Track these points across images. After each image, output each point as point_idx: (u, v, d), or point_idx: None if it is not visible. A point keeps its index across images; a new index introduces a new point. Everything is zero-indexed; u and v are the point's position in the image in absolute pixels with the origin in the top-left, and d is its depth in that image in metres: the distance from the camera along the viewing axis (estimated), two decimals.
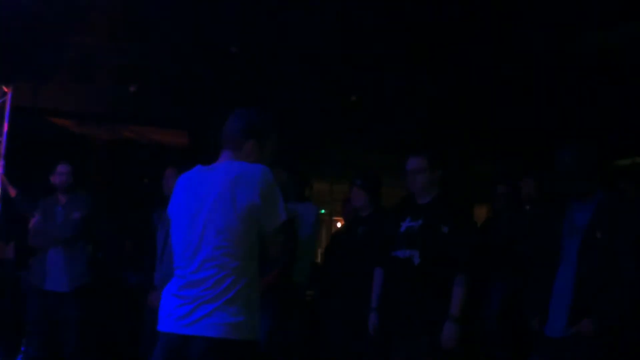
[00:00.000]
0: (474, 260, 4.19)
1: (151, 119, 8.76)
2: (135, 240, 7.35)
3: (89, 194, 5.95)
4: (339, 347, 5.30)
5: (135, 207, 7.54)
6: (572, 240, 3.94)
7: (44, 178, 5.82)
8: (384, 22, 6.89)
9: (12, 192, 6.00)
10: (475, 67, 7.49)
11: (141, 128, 9.24)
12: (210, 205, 2.88)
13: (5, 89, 7.14)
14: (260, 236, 2.94)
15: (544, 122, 8.27)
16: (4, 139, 7.01)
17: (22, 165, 6.61)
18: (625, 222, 3.86)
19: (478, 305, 5.44)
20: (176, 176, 5.45)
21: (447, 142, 8.94)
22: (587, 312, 3.79)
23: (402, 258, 4.25)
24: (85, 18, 7.05)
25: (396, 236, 4.35)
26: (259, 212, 2.86)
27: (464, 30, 6.92)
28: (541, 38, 6.84)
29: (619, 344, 3.86)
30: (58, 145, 7.65)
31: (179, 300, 2.89)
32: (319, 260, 8.02)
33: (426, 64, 7.47)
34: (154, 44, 7.28)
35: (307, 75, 7.79)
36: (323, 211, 12.48)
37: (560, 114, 8.04)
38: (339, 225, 9.70)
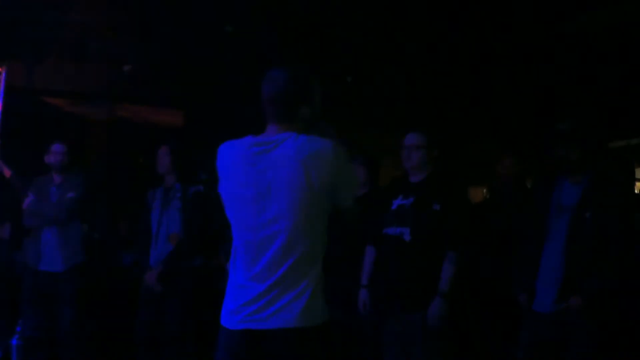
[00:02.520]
0: (465, 237, 4.21)
1: (146, 99, 8.74)
2: (130, 220, 7.34)
3: (83, 173, 5.93)
4: (333, 325, 5.31)
5: (130, 187, 7.54)
6: (560, 218, 4.07)
7: (39, 158, 5.80)
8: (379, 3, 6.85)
9: (7, 173, 5.97)
10: (471, 46, 7.46)
11: (136, 107, 9.21)
12: (280, 187, 2.67)
13: None
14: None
15: (539, 104, 8.26)
16: None
17: (17, 145, 6.58)
18: (612, 203, 4.00)
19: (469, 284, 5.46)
20: (169, 155, 5.50)
21: (446, 122, 8.93)
22: (576, 288, 3.91)
23: (393, 235, 4.27)
24: None
25: (387, 214, 4.37)
26: (333, 192, 2.71)
27: (460, 10, 6.88)
28: (538, 17, 6.81)
29: (607, 320, 3.97)
30: (52, 125, 7.62)
31: (250, 291, 2.71)
32: None
33: (422, 43, 7.44)
34: (149, 24, 7.24)
35: (302, 55, 7.75)
36: None
37: (556, 95, 8.03)
38: None
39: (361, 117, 9.39)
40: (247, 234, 2.75)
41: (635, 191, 6.12)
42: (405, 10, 6.91)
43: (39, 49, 7.35)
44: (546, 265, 4.08)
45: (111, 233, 7.58)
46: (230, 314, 2.75)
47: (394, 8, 6.85)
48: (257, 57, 7.70)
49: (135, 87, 8.36)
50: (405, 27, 7.19)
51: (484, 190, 7.84)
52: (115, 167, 9.01)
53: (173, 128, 9.12)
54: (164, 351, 5.27)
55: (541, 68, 7.72)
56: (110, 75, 8.23)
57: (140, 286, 5.42)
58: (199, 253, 5.78)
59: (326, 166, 2.65)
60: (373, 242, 4.59)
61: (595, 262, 3.91)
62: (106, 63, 8.06)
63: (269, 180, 2.69)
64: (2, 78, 6.84)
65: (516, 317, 4.38)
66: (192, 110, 8.89)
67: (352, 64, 8.16)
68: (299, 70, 2.85)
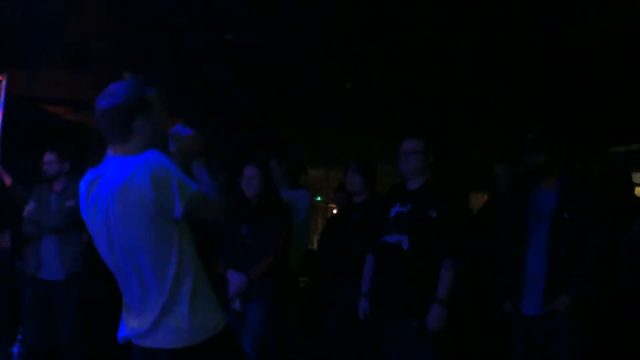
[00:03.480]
0: (462, 244, 4.23)
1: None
2: None
3: None
4: (334, 334, 5.32)
5: None
6: (539, 224, 4.18)
7: (39, 166, 5.81)
8: (379, 10, 6.87)
9: (8, 181, 5.99)
10: (473, 53, 7.47)
11: None
12: (110, 223, 2.63)
13: None
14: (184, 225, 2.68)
15: (540, 110, 8.27)
16: None
17: (17, 153, 6.59)
18: (589, 203, 4.14)
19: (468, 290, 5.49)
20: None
21: (445, 128, 8.94)
22: (561, 289, 4.01)
23: (391, 243, 4.28)
24: (80, 5, 7.02)
25: (386, 222, 4.38)
26: (160, 207, 2.56)
27: (462, 17, 6.89)
28: (536, 24, 6.83)
29: (595, 317, 4.12)
30: (53, 134, 7.64)
31: (129, 313, 2.76)
32: (313, 246, 8.03)
33: (421, 48, 7.45)
34: (148, 31, 7.25)
35: (302, 62, 7.76)
36: (319, 198, 12.49)
37: (557, 101, 8.04)
38: (335, 212, 9.71)
39: (361, 123, 9.40)
40: (108, 263, 2.78)
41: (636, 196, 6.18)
42: (403, 17, 6.92)
43: (39, 57, 7.36)
44: (531, 270, 4.17)
45: None
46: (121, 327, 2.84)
47: (392, 15, 6.86)
48: (256, 64, 7.72)
49: None
50: (404, 33, 7.21)
51: (485, 196, 7.85)
52: None
53: None
54: None
55: (540, 73, 7.73)
56: (110, 83, 8.23)
57: None
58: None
59: (142, 186, 2.52)
60: (372, 250, 4.60)
61: (576, 261, 4.03)
62: (106, 71, 8.06)
63: (98, 215, 2.67)
64: (2, 86, 6.87)
65: (507, 322, 4.43)
66: (192, 116, 8.89)
67: (352, 70, 8.17)
68: (131, 82, 2.75)
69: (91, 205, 2.72)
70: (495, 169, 5.84)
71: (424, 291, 4.14)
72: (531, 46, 7.17)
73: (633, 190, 5.87)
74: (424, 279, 4.16)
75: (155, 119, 2.74)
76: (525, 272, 4.19)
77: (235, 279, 4.94)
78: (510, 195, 5.37)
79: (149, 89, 2.76)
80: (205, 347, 2.64)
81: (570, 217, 4.08)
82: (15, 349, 5.51)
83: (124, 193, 2.56)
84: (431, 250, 4.18)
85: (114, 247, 2.67)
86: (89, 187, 2.75)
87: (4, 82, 6.94)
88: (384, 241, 4.37)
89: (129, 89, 2.70)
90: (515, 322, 4.28)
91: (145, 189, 2.52)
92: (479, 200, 9.16)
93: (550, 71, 7.61)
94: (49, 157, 5.74)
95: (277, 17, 6.88)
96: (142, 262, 2.64)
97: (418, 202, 4.32)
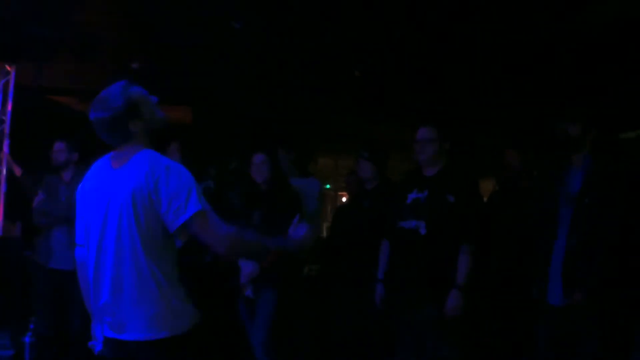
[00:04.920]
0: (480, 230, 4.20)
1: (154, 96, 8.75)
2: None
3: None
4: (345, 321, 5.31)
5: None
6: (566, 208, 4.03)
7: (48, 156, 5.82)
8: None
9: (17, 171, 6.00)
10: (481, 39, 7.43)
11: None
12: (115, 213, 2.73)
13: (8, 67, 7.13)
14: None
15: (550, 95, 8.23)
16: (7, 118, 7.00)
17: (26, 144, 6.60)
18: (611, 189, 3.93)
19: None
20: (179, 151, 5.50)
21: (454, 114, 8.91)
22: (578, 281, 3.88)
23: (408, 229, 4.27)
24: None
25: (402, 207, 4.36)
26: (161, 210, 2.75)
27: (468, 5, 6.86)
28: (547, 8, 6.78)
29: (612, 313, 3.94)
30: (61, 124, 7.64)
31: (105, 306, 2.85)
32: (324, 234, 8.02)
33: (429, 36, 7.41)
34: (157, 21, 7.24)
35: (311, 50, 7.74)
36: (328, 186, 12.48)
37: (568, 87, 8.00)
38: (344, 200, 9.69)
39: (369, 111, 9.38)
40: (94, 251, 2.84)
41: None
42: (413, 4, 6.89)
43: (47, 48, 7.37)
44: (556, 256, 4.05)
45: None
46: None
47: (402, 2, 6.83)
48: (265, 53, 7.71)
49: (144, 85, 8.38)
50: (413, 21, 7.18)
51: (494, 183, 7.83)
52: None
53: (182, 125, 9.14)
54: None
55: (551, 59, 7.69)
56: (118, 73, 8.23)
57: None
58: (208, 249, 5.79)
59: (149, 181, 2.69)
60: (388, 236, 4.59)
61: (593, 252, 3.87)
62: (115, 61, 8.07)
63: (106, 205, 2.76)
64: (11, 77, 6.89)
65: (526, 310, 4.38)
66: (201, 106, 8.90)
67: (361, 58, 8.15)
68: (117, 88, 2.86)
69: (97, 192, 2.83)
70: (506, 155, 5.80)
71: (442, 277, 4.12)
72: (540, 34, 7.14)
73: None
74: (442, 265, 4.14)
75: (146, 115, 2.88)
76: (551, 259, 4.07)
77: (246, 267, 4.94)
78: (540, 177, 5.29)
79: (133, 89, 2.89)
80: (168, 343, 2.79)
81: (589, 202, 3.92)
82: (27, 339, 5.53)
83: (138, 185, 2.70)
84: (449, 235, 4.16)
85: (109, 236, 2.77)
86: (100, 175, 2.88)
87: (12, 74, 6.95)
88: (400, 227, 4.35)
89: (115, 98, 2.83)
90: (539, 311, 4.18)
91: (152, 186, 2.71)
92: (487, 186, 9.12)
93: (559, 57, 7.57)
94: (58, 145, 5.75)
95: (284, 5, 6.86)
96: (134, 252, 2.77)
97: (435, 187, 4.31)
